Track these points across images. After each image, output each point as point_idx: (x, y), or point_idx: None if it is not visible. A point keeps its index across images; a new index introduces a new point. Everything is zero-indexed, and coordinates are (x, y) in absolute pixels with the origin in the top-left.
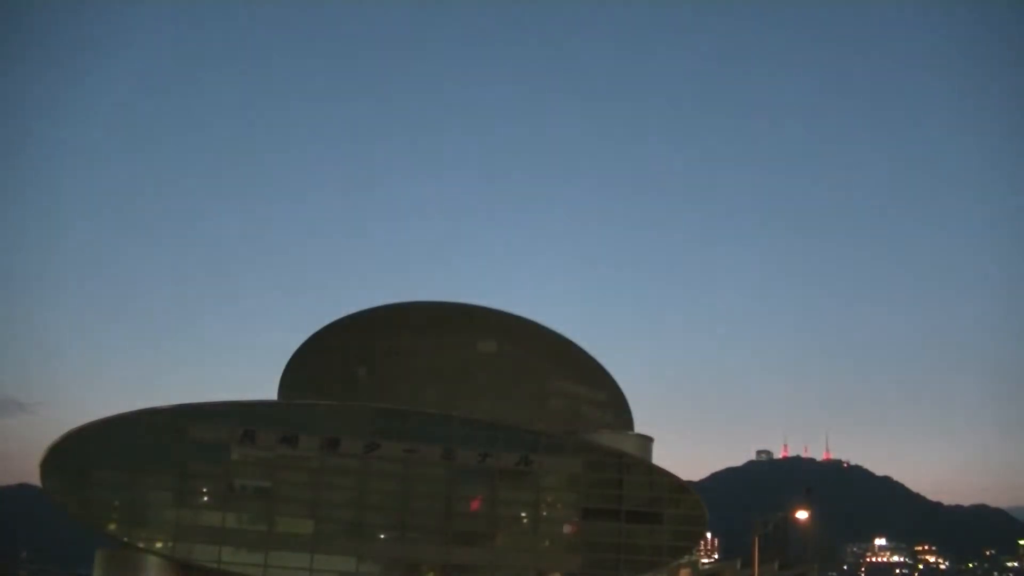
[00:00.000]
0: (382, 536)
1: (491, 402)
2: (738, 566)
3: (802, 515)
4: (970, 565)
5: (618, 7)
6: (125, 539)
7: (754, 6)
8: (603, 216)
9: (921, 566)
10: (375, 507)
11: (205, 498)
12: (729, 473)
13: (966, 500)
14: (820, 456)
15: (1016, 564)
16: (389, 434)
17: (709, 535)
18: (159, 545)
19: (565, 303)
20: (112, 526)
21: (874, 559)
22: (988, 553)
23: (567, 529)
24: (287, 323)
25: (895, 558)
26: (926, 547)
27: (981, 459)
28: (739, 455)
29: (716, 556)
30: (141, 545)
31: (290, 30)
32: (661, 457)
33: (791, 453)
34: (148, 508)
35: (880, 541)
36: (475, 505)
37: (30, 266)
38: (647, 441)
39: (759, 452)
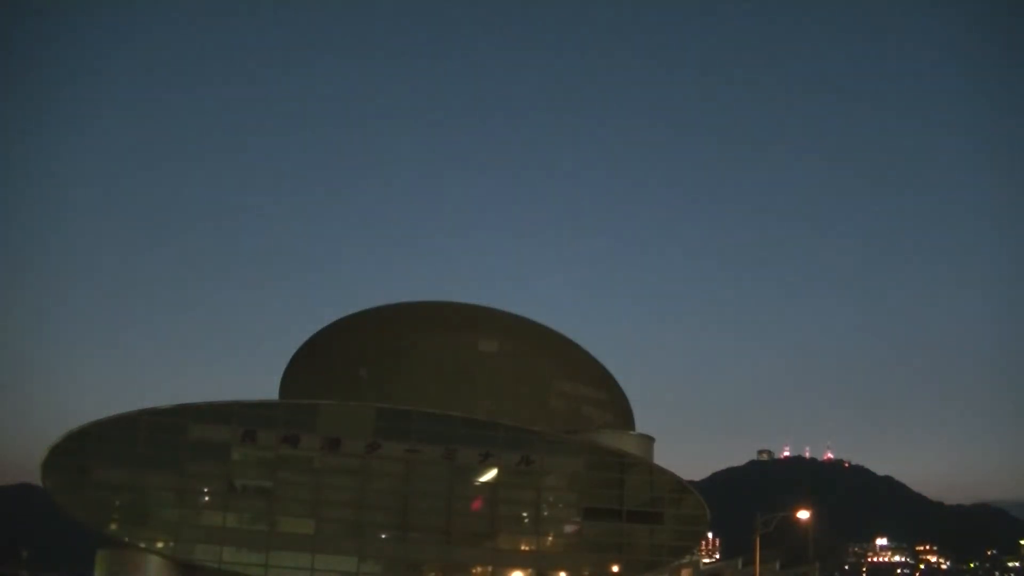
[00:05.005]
0: (383, 536)
1: (492, 402)
2: (739, 566)
3: (803, 515)
4: (971, 565)
5: (623, 14)
6: (126, 539)
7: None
8: (604, 216)
9: (922, 566)
10: (376, 507)
11: (206, 498)
12: (730, 473)
13: (967, 500)
14: (821, 456)
15: (1018, 564)
16: (390, 434)
17: (710, 535)
18: (160, 545)
19: (565, 303)
20: (113, 526)
21: (875, 559)
22: (990, 553)
23: (568, 529)
24: (288, 323)
25: (896, 558)
26: (927, 547)
27: (982, 459)
28: (740, 455)
29: (717, 556)
30: (142, 545)
31: (298, 29)
32: (662, 457)
33: (792, 453)
34: (149, 508)
35: (881, 541)
36: (476, 505)
37: (30, 265)
38: (648, 441)
39: (760, 452)
